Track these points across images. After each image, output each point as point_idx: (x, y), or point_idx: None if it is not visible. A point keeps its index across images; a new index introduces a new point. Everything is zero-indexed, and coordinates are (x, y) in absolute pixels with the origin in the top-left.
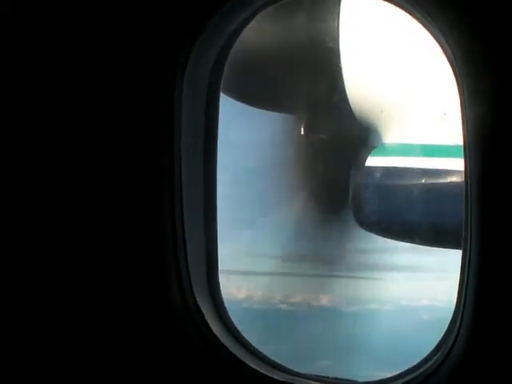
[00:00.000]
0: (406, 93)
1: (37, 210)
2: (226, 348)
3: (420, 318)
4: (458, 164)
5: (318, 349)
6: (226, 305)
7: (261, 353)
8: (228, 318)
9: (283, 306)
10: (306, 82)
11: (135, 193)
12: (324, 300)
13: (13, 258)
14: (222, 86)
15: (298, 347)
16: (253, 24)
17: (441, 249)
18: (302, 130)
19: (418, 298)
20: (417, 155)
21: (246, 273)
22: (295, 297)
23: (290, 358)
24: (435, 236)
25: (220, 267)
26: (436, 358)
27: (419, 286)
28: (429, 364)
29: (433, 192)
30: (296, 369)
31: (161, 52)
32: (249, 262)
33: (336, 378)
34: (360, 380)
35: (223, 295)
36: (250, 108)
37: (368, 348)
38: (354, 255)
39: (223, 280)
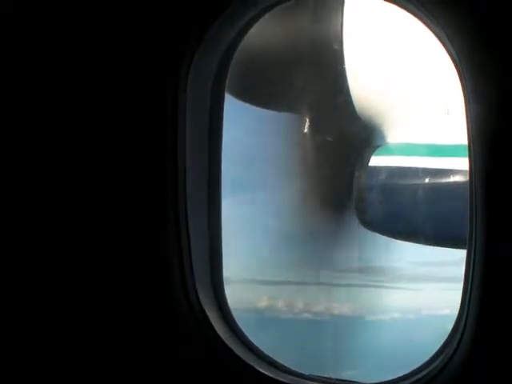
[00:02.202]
0: (410, 92)
1: (41, 210)
2: (229, 348)
3: (444, 327)
4: (461, 163)
5: (343, 358)
6: (248, 314)
7: (264, 354)
8: (231, 318)
9: (306, 315)
10: (310, 83)
11: (139, 193)
12: (346, 309)
13: (17, 259)
14: (226, 86)
15: (323, 356)
16: (257, 25)
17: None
18: (306, 130)
19: (440, 307)
20: (421, 155)
21: (266, 282)
22: (317, 306)
23: (315, 367)
24: (440, 236)
25: (240, 276)
26: (440, 359)
27: (442, 295)
28: (433, 365)
29: (437, 191)
30: None
31: (165, 53)
32: (266, 271)
33: (339, 380)
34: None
35: (244, 304)
36: (254, 108)
37: (393, 357)
38: (378, 265)
39: (243, 289)
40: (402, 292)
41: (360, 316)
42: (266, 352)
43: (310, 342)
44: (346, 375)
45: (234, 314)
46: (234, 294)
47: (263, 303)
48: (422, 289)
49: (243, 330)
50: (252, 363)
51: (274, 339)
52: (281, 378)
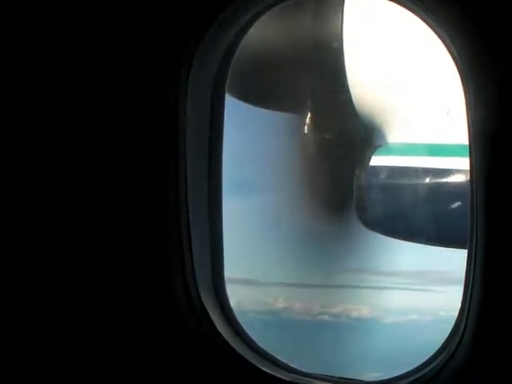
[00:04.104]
0: (410, 92)
1: (42, 209)
2: (230, 347)
3: None
4: (462, 163)
5: (364, 360)
6: (265, 316)
7: (265, 351)
8: (233, 316)
9: (323, 317)
10: (309, 82)
11: (140, 193)
12: (363, 311)
13: (18, 258)
14: (226, 86)
15: (343, 358)
16: (257, 24)
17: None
18: (306, 129)
19: (457, 308)
20: (421, 154)
21: (282, 284)
22: (334, 308)
23: (336, 369)
24: (440, 236)
25: (256, 278)
26: (441, 358)
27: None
28: (433, 364)
29: (437, 191)
30: None
31: (165, 54)
32: (276, 273)
33: (341, 378)
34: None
35: (261, 306)
36: (254, 107)
37: (413, 359)
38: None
39: (260, 291)
40: (421, 293)
41: (378, 318)
42: (281, 354)
43: (329, 344)
44: (368, 378)
45: (249, 316)
46: (249, 296)
47: (279, 305)
48: (442, 291)
49: (258, 330)
50: (253, 361)
51: (292, 341)
52: (282, 375)
